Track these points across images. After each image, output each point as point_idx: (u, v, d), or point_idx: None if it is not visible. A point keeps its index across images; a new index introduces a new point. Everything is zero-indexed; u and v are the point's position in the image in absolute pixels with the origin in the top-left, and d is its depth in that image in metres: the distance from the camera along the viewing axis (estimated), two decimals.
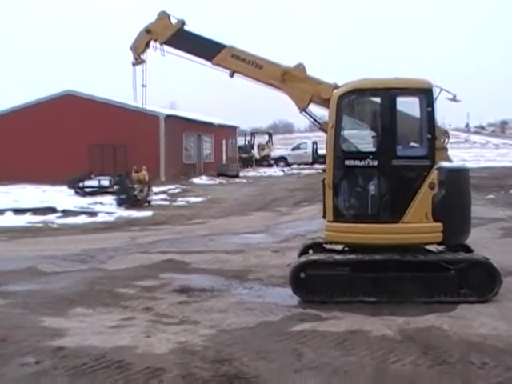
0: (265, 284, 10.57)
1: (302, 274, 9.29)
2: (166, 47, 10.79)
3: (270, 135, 60.45)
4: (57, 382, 6.14)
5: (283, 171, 47.99)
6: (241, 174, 43.45)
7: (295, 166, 50.83)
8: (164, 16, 10.74)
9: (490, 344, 7.11)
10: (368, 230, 9.14)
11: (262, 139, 60.41)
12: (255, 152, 56.35)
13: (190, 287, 10.24)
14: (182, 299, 9.53)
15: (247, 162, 53.32)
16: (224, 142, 49.92)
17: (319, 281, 9.18)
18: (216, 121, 48.31)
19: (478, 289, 8.98)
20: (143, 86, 11.30)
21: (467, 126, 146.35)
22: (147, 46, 10.91)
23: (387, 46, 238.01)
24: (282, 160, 54.86)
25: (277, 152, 58.65)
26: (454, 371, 6.33)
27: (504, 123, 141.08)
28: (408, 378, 6.19)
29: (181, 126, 39.26)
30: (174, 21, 10.74)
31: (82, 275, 11.43)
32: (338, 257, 9.47)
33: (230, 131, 52.25)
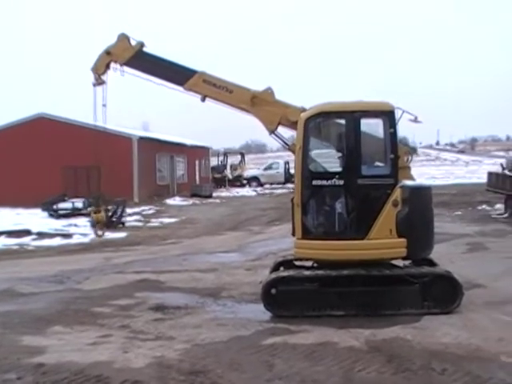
0: (237, 301, 10.83)
1: (273, 290, 9.58)
2: (126, 68, 11.08)
3: (243, 155, 60.70)
4: None
5: (256, 191, 48.27)
6: (214, 194, 43.62)
7: (268, 186, 51.23)
8: (123, 38, 11.02)
9: (451, 352, 7.51)
10: (335, 247, 9.46)
11: (234, 159, 60.66)
12: (228, 172, 56.55)
13: (165, 305, 10.48)
14: (158, 316, 9.77)
15: (220, 182, 53.49)
16: (197, 162, 50.15)
17: (289, 296, 9.48)
18: (189, 142, 48.52)
19: (441, 301, 9.35)
20: (104, 105, 11.59)
21: (437, 143, 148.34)
22: (107, 67, 11.17)
23: (357, 69, 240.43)
24: (254, 180, 55.15)
25: (249, 172, 58.87)
26: (415, 377, 6.72)
27: (474, 140, 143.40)
28: None
29: (154, 147, 39.45)
30: (133, 42, 11.01)
31: (58, 295, 11.62)
32: (306, 273, 9.81)
33: (202, 152, 52.52)
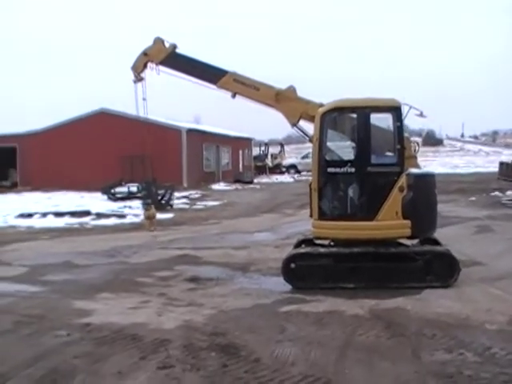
0: (263, 274, 11.07)
1: (293, 265, 9.81)
2: (161, 67, 11.41)
3: (282, 145, 60.84)
4: (83, 349, 6.77)
5: (293, 178, 48.38)
6: (255, 180, 43.92)
7: (304, 173, 51.23)
8: (158, 41, 11.37)
9: (443, 320, 7.64)
10: (348, 227, 9.62)
11: (275, 149, 60.85)
12: (269, 161, 56.81)
13: (199, 277, 10.80)
14: (191, 286, 10.09)
15: (261, 170, 53.76)
16: (240, 152, 50.44)
17: (306, 270, 9.69)
18: (233, 133, 48.87)
19: (441, 276, 9.46)
20: (144, 99, 11.99)
21: (462, 135, 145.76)
22: (145, 66, 11.51)
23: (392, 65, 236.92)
24: (292, 168, 55.29)
25: (288, 160, 59.06)
26: (407, 341, 6.88)
27: (495, 133, 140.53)
28: (369, 347, 6.72)
29: (201, 138, 39.88)
30: (167, 45, 11.35)
31: (109, 267, 12.04)
32: (322, 250, 10.01)
33: (245, 142, 52.78)
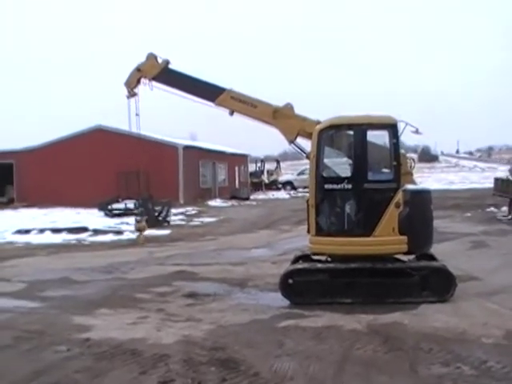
0: (261, 290, 11.14)
1: (290, 280, 9.88)
2: (154, 83, 11.53)
3: (278, 162, 61.05)
4: (83, 364, 6.83)
5: (289, 194, 48.50)
6: (252, 196, 44.00)
7: (301, 190, 51.28)
8: (151, 57, 11.50)
9: (440, 334, 7.72)
10: (345, 243, 9.71)
11: (271, 165, 61.03)
12: (265, 177, 56.96)
13: (197, 293, 10.86)
14: (189, 302, 10.15)
15: (257, 186, 53.85)
16: (237, 168, 50.55)
17: (304, 286, 9.76)
18: (229, 150, 49.03)
19: (437, 291, 9.55)
20: (137, 115, 12.16)
21: (457, 151, 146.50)
22: (138, 82, 11.64)
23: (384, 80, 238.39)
24: (288, 184, 55.36)
25: (284, 177, 59.21)
26: (405, 355, 6.96)
27: (490, 149, 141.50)
28: (367, 361, 6.80)
29: (197, 155, 40.01)
30: (160, 60, 11.47)
31: (107, 283, 12.10)
32: (319, 265, 10.08)
33: (241, 159, 52.91)
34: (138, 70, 11.57)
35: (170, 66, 11.48)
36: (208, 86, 11.22)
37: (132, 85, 11.74)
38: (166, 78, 11.40)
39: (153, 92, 11.64)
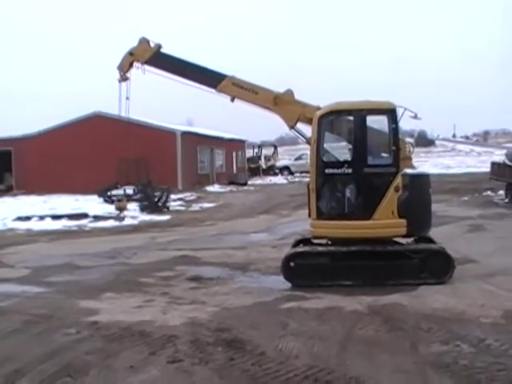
0: (262, 273, 11.35)
1: (292, 263, 10.07)
2: (147, 67, 11.69)
3: (275, 147, 61.13)
4: (94, 346, 7.03)
5: (287, 179, 48.61)
6: (249, 182, 44.17)
7: (298, 175, 51.48)
8: (144, 41, 11.68)
9: (439, 315, 7.91)
10: (345, 226, 9.88)
11: (268, 151, 61.14)
12: (262, 162, 57.06)
13: (200, 276, 11.05)
14: (193, 286, 10.35)
15: (255, 172, 54.03)
16: (234, 153, 50.66)
17: (305, 268, 9.95)
18: (227, 135, 49.13)
19: (436, 273, 9.74)
20: (127, 98, 12.19)
21: (454, 136, 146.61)
22: (131, 65, 11.78)
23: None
24: (286, 169, 55.53)
25: (281, 162, 59.34)
26: (405, 335, 7.16)
27: (486, 133, 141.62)
28: (369, 341, 6.99)
29: (195, 140, 40.12)
30: (152, 44, 11.64)
31: (110, 268, 12.30)
32: (320, 248, 10.28)
33: (239, 144, 53.02)
34: (130, 53, 11.73)
35: (162, 50, 11.63)
36: (209, 72, 11.34)
37: (125, 68, 11.86)
38: (158, 62, 11.57)
39: (154, 78, 11.82)
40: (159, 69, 11.61)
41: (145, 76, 11.82)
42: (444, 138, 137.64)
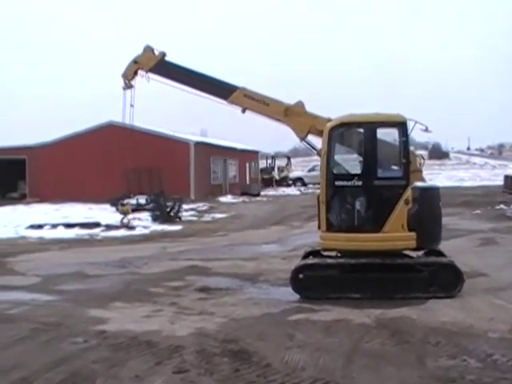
0: (272, 284, 11.35)
1: (301, 275, 10.07)
2: (151, 75, 11.75)
3: (289, 158, 61.25)
4: (100, 355, 7.06)
5: (300, 190, 48.65)
6: (262, 193, 44.22)
7: (311, 186, 51.45)
8: (148, 49, 11.73)
9: (447, 328, 7.88)
10: (354, 239, 9.87)
11: (281, 162, 61.22)
12: (275, 173, 57.17)
13: (209, 287, 11.08)
14: (202, 296, 10.36)
15: (268, 183, 54.12)
16: (247, 164, 50.77)
17: (314, 280, 9.94)
18: (240, 146, 49.26)
19: (445, 286, 9.69)
20: (132, 105, 12.33)
21: (468, 148, 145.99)
22: (135, 73, 11.85)
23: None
24: (299, 180, 55.67)
25: (295, 173, 59.41)
26: (412, 348, 7.13)
27: (501, 146, 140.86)
28: (375, 354, 6.98)
29: (208, 151, 40.28)
30: (156, 53, 11.70)
31: (120, 278, 12.35)
32: (329, 261, 10.27)
33: (252, 155, 53.11)
34: (134, 62, 11.79)
35: (167, 59, 11.69)
36: (219, 83, 11.40)
37: (129, 76, 11.93)
38: (162, 70, 11.63)
39: (148, 83, 11.86)
40: (164, 77, 11.68)
41: (164, 86, 11.91)
42: (459, 150, 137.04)
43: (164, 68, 11.62)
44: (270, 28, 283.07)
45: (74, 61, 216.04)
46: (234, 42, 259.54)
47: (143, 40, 11.75)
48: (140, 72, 11.82)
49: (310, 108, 11.03)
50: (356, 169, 10.24)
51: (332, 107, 10.47)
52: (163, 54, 11.68)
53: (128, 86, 12.06)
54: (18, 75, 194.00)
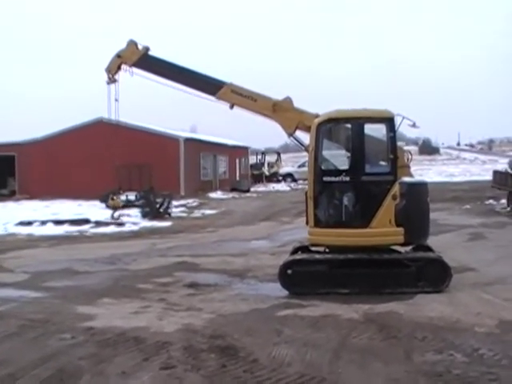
0: (260, 280, 11.37)
1: (289, 271, 10.09)
2: (135, 69, 11.73)
3: (279, 154, 61.12)
4: (87, 351, 7.04)
5: (290, 186, 48.57)
6: (252, 188, 44.10)
7: (301, 182, 51.39)
8: (132, 43, 11.72)
9: (434, 323, 7.92)
10: (342, 234, 9.90)
11: (271, 158, 61.15)
12: (265, 169, 57.07)
13: (198, 283, 11.08)
14: (190, 292, 10.37)
15: (258, 178, 54.00)
16: (237, 160, 50.68)
17: (303, 276, 9.96)
18: (230, 142, 49.17)
19: (433, 281, 9.75)
20: (116, 100, 12.29)
21: (458, 144, 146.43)
22: (119, 68, 11.83)
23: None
24: (289, 176, 55.54)
25: (285, 169, 59.36)
26: (399, 343, 7.16)
27: (491, 141, 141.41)
28: (363, 349, 6.99)
29: (198, 147, 40.17)
30: (140, 47, 11.67)
31: (109, 274, 12.32)
32: (317, 256, 10.28)
33: (242, 151, 53.03)
34: (118, 56, 11.78)
35: (151, 53, 11.67)
36: (206, 78, 11.37)
37: (113, 71, 11.92)
38: (145, 65, 11.61)
39: (131, 77, 11.85)
40: (147, 71, 11.65)
41: (155, 83, 11.86)
42: (449, 146, 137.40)
43: (147, 62, 11.58)
44: (270, 28, 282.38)
45: (74, 61, 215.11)
46: (234, 42, 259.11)
47: (143, 40, 11.59)
48: (123, 66, 11.79)
49: (310, 108, 11.05)
50: (344, 164, 10.24)
51: (332, 107, 10.36)
52: (146, 49, 11.63)
53: (112, 80, 12.02)
54: (18, 75, 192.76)
